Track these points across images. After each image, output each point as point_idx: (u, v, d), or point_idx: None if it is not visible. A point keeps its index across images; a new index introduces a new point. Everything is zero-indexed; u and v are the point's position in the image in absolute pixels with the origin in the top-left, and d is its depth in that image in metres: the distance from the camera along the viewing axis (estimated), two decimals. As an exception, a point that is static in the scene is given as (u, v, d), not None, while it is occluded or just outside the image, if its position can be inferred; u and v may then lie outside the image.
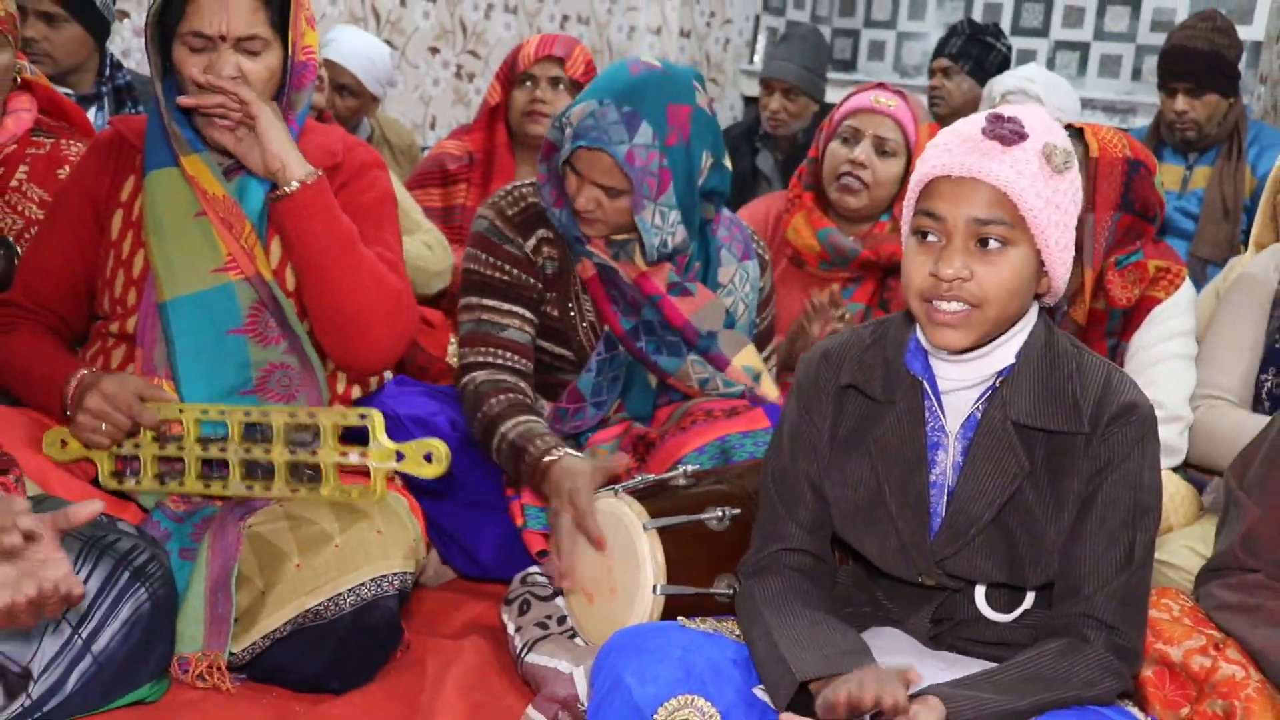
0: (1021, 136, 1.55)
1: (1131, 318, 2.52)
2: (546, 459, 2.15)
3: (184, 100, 2.09)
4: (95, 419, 2.05)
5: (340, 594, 2.02)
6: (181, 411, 2.07)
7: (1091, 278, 2.48)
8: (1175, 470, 2.51)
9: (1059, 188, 1.57)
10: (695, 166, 2.33)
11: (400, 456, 2.07)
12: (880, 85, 2.99)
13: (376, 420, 2.05)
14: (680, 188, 2.31)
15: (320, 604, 2.02)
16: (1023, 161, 1.54)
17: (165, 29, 2.09)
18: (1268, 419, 2.20)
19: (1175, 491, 2.42)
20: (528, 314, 2.39)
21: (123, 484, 2.11)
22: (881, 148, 2.89)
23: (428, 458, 2.06)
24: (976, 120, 1.59)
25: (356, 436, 2.10)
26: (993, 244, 1.56)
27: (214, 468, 2.11)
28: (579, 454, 2.18)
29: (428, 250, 3.04)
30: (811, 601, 1.69)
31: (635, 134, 2.24)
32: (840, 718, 1.46)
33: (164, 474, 2.10)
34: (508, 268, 2.38)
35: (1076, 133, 2.48)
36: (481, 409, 2.29)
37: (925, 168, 1.60)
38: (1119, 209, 2.45)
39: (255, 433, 2.08)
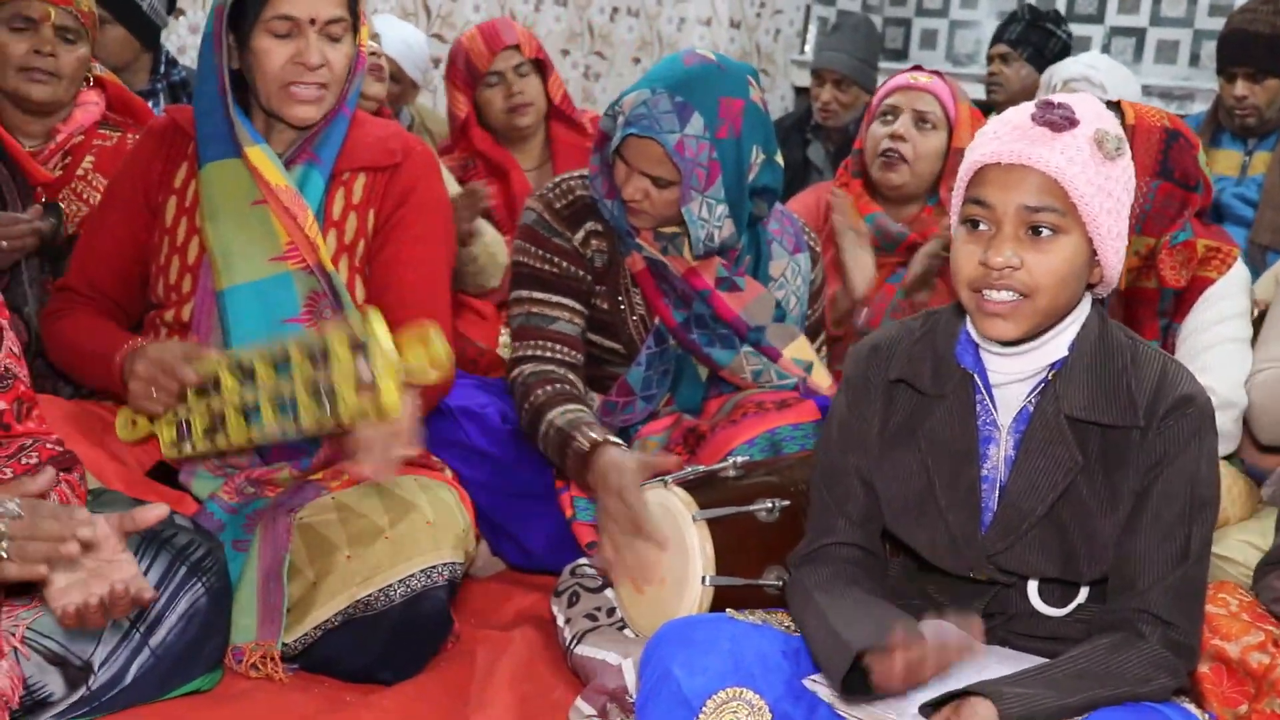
0: (1072, 123, 1.53)
1: (1184, 298, 2.48)
2: (592, 449, 2.13)
3: None
4: (146, 385, 2.02)
5: (391, 585, 2.03)
6: (218, 362, 2.01)
7: (1139, 246, 2.45)
8: (1232, 462, 2.48)
9: (1111, 175, 1.55)
10: (745, 161, 2.32)
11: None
12: (916, 67, 3.01)
13: (375, 323, 1.87)
14: (729, 181, 2.29)
15: (371, 594, 2.03)
16: (1073, 148, 1.52)
17: (236, 20, 2.09)
18: None
19: (1232, 484, 2.38)
20: (577, 306, 2.39)
21: (181, 451, 2.07)
22: (921, 120, 2.89)
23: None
24: (1027, 107, 1.58)
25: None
26: (1044, 232, 1.54)
27: (253, 414, 2.01)
28: (625, 446, 2.16)
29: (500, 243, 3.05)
30: (863, 586, 1.69)
31: (686, 124, 2.24)
32: (899, 681, 1.47)
33: (212, 430, 2.03)
34: (556, 260, 2.38)
35: (1114, 105, 2.45)
36: (529, 399, 2.28)
37: (975, 155, 1.58)
38: (1157, 175, 2.41)
39: (285, 370, 1.97)
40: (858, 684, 1.52)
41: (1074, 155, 1.52)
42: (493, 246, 3.03)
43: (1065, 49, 4.58)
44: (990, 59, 4.66)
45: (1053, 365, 1.61)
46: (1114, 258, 1.59)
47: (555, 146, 3.36)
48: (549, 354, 2.35)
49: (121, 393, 2.09)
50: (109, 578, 1.55)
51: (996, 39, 4.65)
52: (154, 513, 1.58)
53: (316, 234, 2.14)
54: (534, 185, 3.22)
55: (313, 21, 2.08)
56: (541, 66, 3.34)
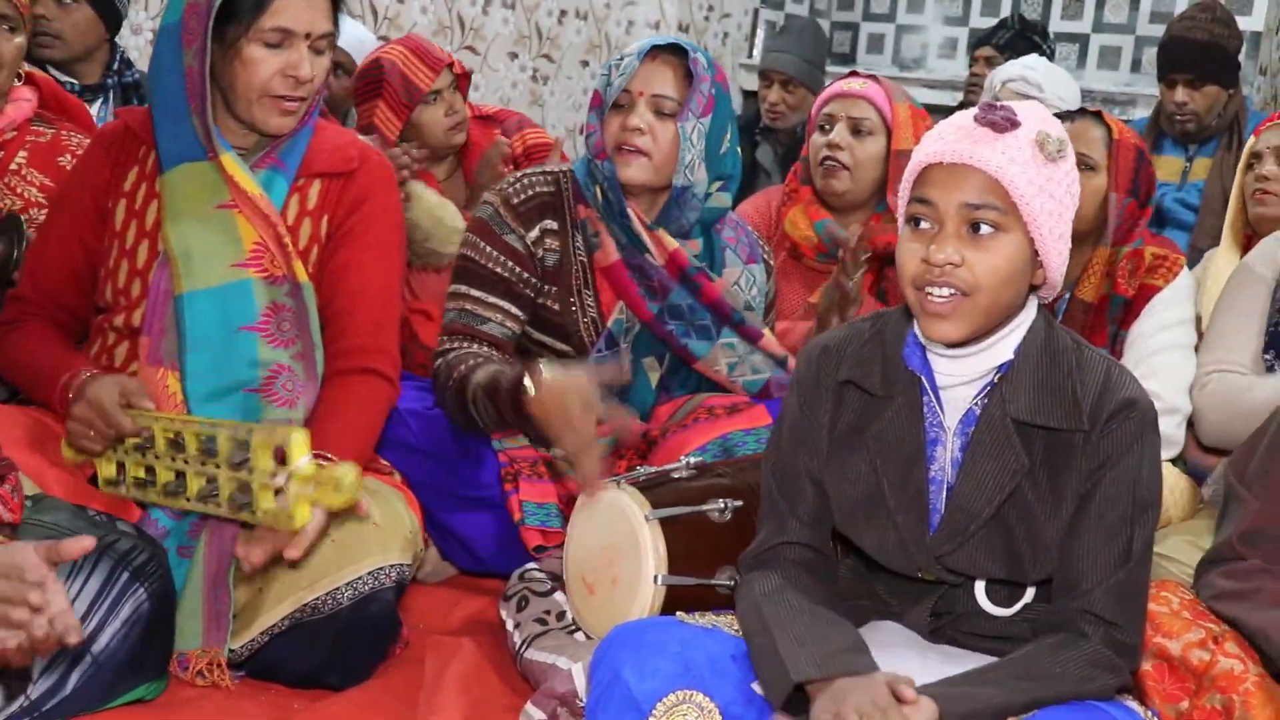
0: (1014, 124, 1.55)
1: (1131, 306, 2.53)
2: (523, 372, 2.07)
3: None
4: (83, 425, 2.02)
5: (338, 587, 2.01)
6: (156, 420, 2.00)
7: (1106, 256, 2.50)
8: (1175, 463, 2.51)
9: (1052, 176, 1.56)
10: (728, 121, 2.41)
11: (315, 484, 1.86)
12: (852, 73, 3.01)
13: (295, 441, 1.83)
14: (717, 126, 2.37)
15: (318, 598, 2.01)
16: (1014, 148, 1.54)
17: (219, 23, 2.05)
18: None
19: (1174, 484, 2.41)
20: (514, 310, 2.37)
21: (117, 491, 2.07)
22: (857, 128, 2.89)
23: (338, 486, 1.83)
24: (970, 110, 1.59)
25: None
26: (984, 229, 1.55)
27: (180, 481, 2.00)
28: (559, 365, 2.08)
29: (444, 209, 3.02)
30: (811, 596, 1.67)
31: (697, 53, 2.38)
32: None
33: (143, 484, 2.04)
34: (504, 260, 2.37)
35: (1096, 115, 2.52)
36: (453, 377, 2.25)
37: (919, 156, 1.59)
38: (1130, 194, 2.49)
39: (212, 454, 1.95)
40: (799, 703, 1.52)
41: (1015, 155, 1.53)
42: (437, 210, 2.99)
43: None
44: (974, 60, 4.72)
45: (999, 368, 1.62)
46: (1056, 259, 1.60)
47: (471, 151, 3.28)
48: (474, 349, 2.33)
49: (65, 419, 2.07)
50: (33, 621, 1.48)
51: (983, 42, 4.73)
52: (80, 545, 1.53)
53: (290, 243, 2.13)
54: (446, 192, 3.19)
55: (307, 35, 2.07)
56: (464, 83, 3.28)
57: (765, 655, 1.58)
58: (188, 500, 1.97)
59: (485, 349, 2.31)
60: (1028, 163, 1.54)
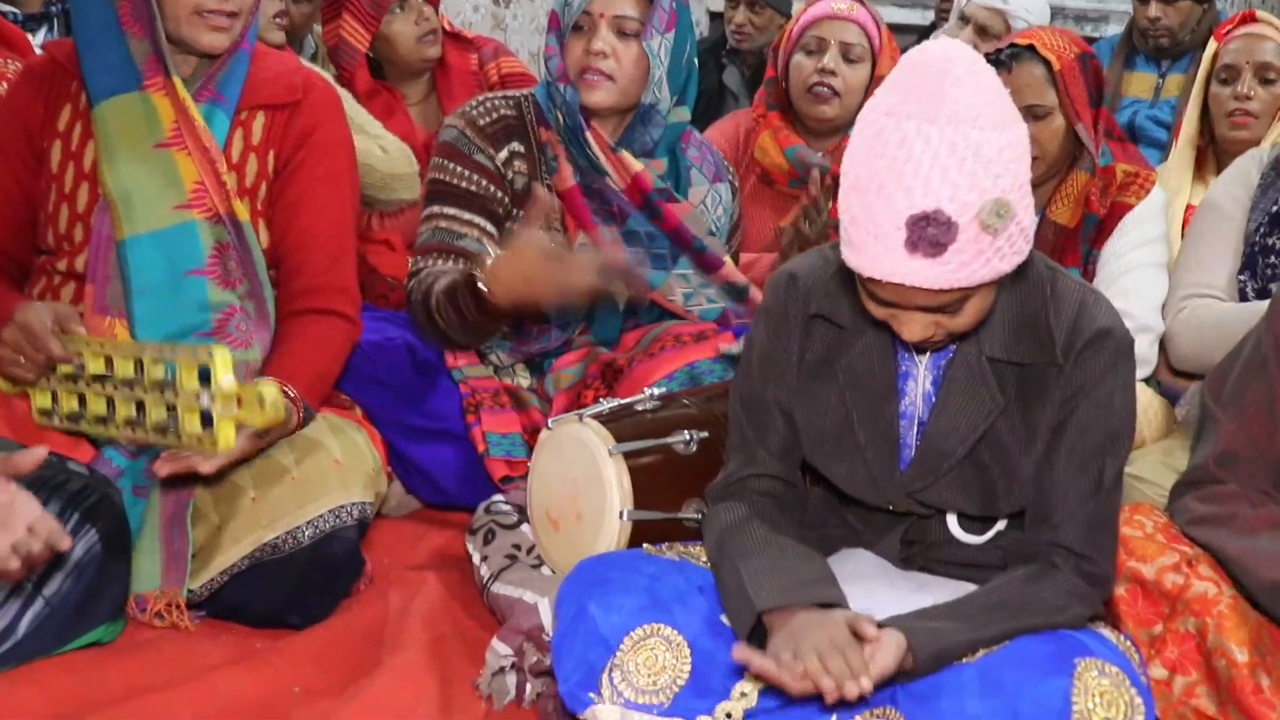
0: (948, 243, 1.38)
1: (1104, 225, 2.50)
2: (475, 271, 2.09)
3: None
4: (13, 352, 1.96)
5: (298, 526, 1.99)
6: (88, 345, 1.96)
7: (1085, 181, 2.46)
8: (1149, 384, 2.49)
9: (999, 245, 1.41)
10: (690, 37, 2.38)
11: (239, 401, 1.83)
12: None
13: (219, 359, 1.79)
14: (680, 39, 2.34)
15: (278, 537, 1.99)
16: (957, 257, 1.39)
17: None
18: (1256, 307, 2.17)
19: (1148, 404, 2.40)
20: (489, 227, 2.35)
21: (50, 422, 2.02)
22: (847, 54, 2.86)
23: (261, 402, 1.80)
24: (894, 223, 1.39)
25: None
26: (950, 309, 1.48)
27: (111, 410, 1.96)
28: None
29: (380, 151, 2.90)
30: (778, 528, 1.66)
31: None
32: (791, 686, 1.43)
33: (75, 415, 1.99)
34: (475, 177, 2.34)
35: (1028, 49, 2.43)
36: (421, 295, 2.24)
37: (852, 260, 1.45)
38: (1091, 105, 2.43)
39: (139, 379, 1.92)
40: (765, 636, 1.52)
41: (963, 260, 1.40)
42: (385, 166, 2.87)
43: None
44: None
45: None
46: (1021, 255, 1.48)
47: (447, 74, 3.18)
48: (449, 266, 2.30)
49: None
50: (14, 526, 1.49)
51: None
52: (33, 456, 1.51)
53: (230, 179, 2.08)
54: (418, 119, 3.11)
55: None
56: None
57: (730, 586, 1.57)
58: (116, 428, 1.94)
59: (456, 264, 2.29)
60: (974, 257, 1.40)
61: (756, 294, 2.47)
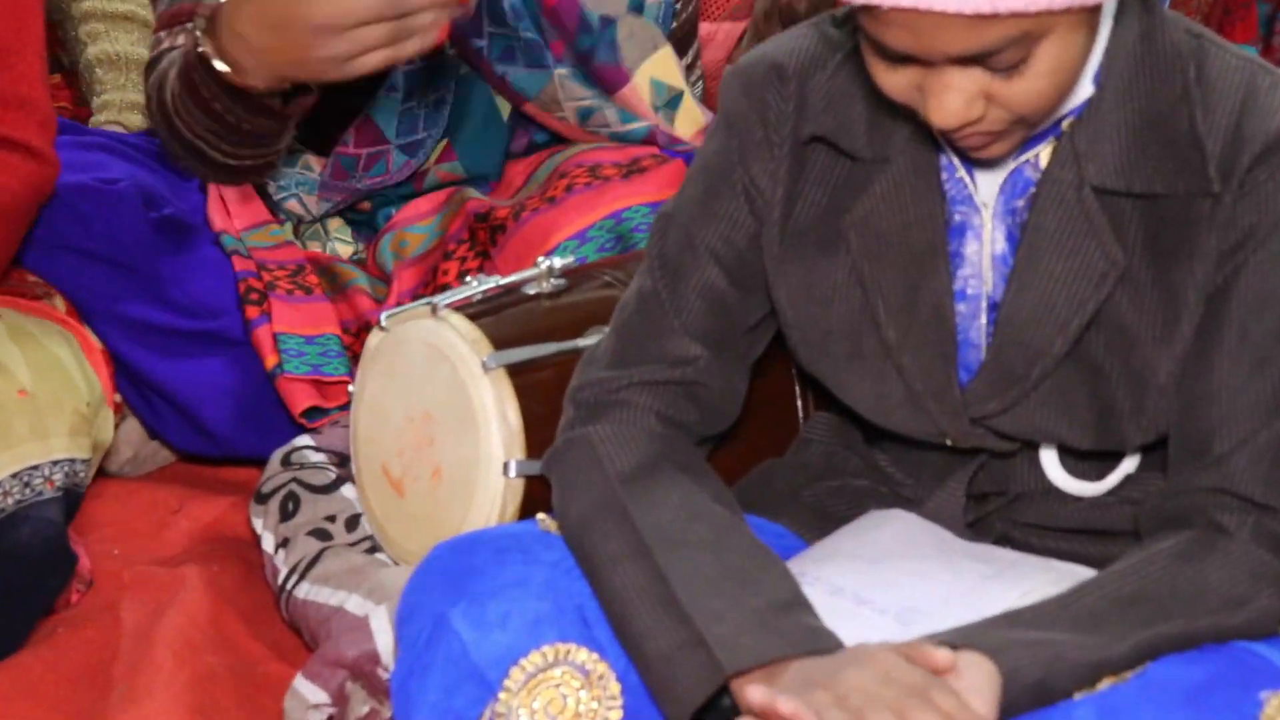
0: None
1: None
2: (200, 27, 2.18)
3: None
4: None
5: None
6: None
7: None
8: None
9: None
10: None
11: None
12: None
13: None
14: None
15: (-79, 523, 2.01)
16: None
17: None
18: None
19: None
20: None
21: None
22: None
23: None
24: None
25: None
26: (1000, 60, 1.46)
27: None
28: None
29: None
30: (699, 480, 1.67)
31: None
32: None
33: None
34: None
35: None
36: (157, 87, 2.32)
37: None
38: None
39: None
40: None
41: None
42: None
43: None
44: None
45: (1068, 112, 1.59)
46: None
47: None
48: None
49: None
50: None
51: None
52: None
53: None
54: None
55: None
56: None
57: (646, 605, 1.54)
58: None
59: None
60: None
61: (688, 116, 2.56)
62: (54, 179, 2.25)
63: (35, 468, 2.06)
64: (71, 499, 2.10)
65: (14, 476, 2.05)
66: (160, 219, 2.38)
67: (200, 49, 2.13)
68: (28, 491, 2.05)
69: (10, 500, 2.03)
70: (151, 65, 2.36)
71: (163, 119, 2.29)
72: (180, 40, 2.32)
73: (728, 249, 1.72)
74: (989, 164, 1.62)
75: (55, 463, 2.08)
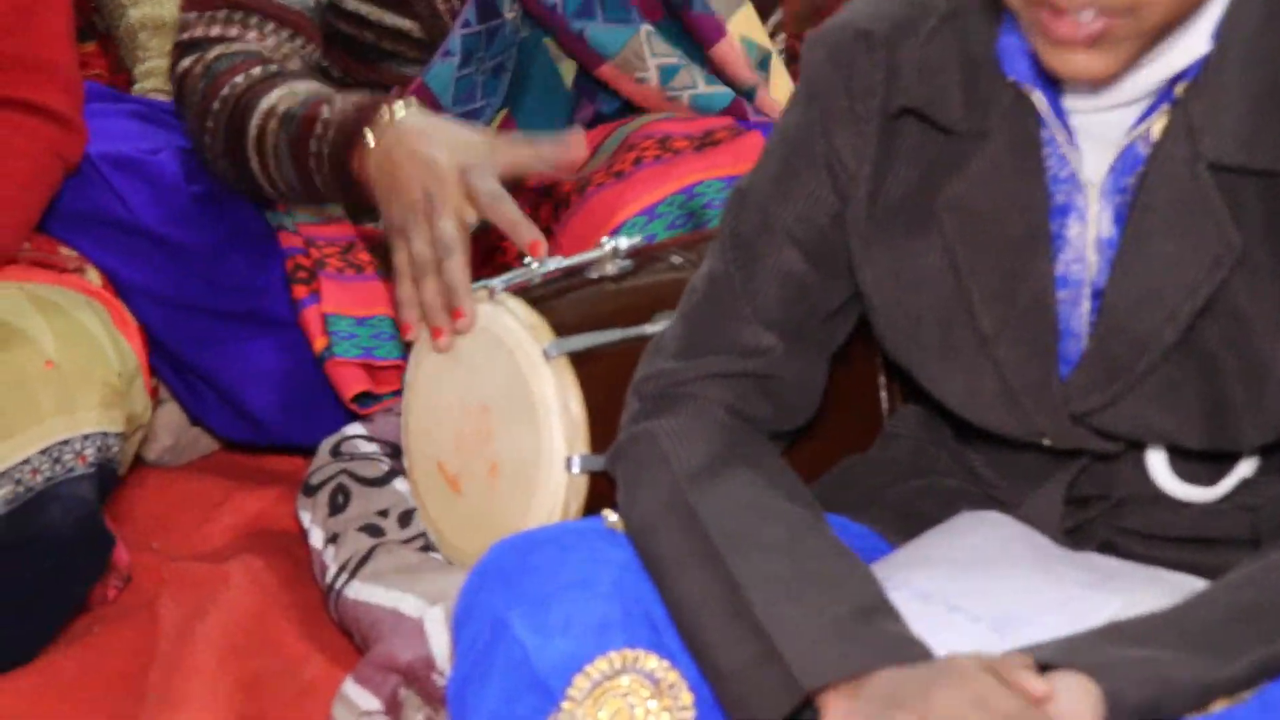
0: None
1: None
2: (370, 111, 2.14)
3: None
4: None
5: None
6: None
7: None
8: None
9: None
10: None
11: None
12: None
13: None
14: None
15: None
16: None
17: None
18: None
19: None
20: None
21: None
22: None
23: None
24: None
25: None
26: None
27: None
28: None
29: None
30: (774, 479, 1.65)
31: None
32: None
33: None
34: None
35: None
36: (221, 92, 2.29)
37: None
38: None
39: None
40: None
41: None
42: None
43: None
44: None
45: (1181, 74, 1.55)
46: None
47: None
48: (251, 41, 2.36)
49: None
50: None
51: None
52: None
53: None
54: None
55: None
56: None
57: (718, 616, 1.53)
58: None
59: (269, 39, 2.35)
60: None
61: (778, 82, 2.55)
62: (81, 146, 2.28)
63: (65, 443, 2.07)
64: (105, 475, 2.11)
65: (42, 453, 2.05)
66: (203, 192, 2.40)
67: (361, 138, 2.13)
68: (57, 468, 2.06)
69: (39, 478, 2.05)
70: (189, 48, 2.36)
71: (230, 139, 2.28)
72: (237, 33, 2.34)
73: (807, 229, 1.71)
74: (1096, 128, 1.60)
75: (86, 437, 2.08)
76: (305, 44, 2.39)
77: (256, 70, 2.30)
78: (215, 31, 2.36)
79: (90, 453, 2.07)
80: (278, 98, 2.24)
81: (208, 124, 2.31)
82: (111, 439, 2.10)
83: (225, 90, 2.28)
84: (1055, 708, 1.38)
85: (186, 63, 2.34)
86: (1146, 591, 1.58)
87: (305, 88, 2.26)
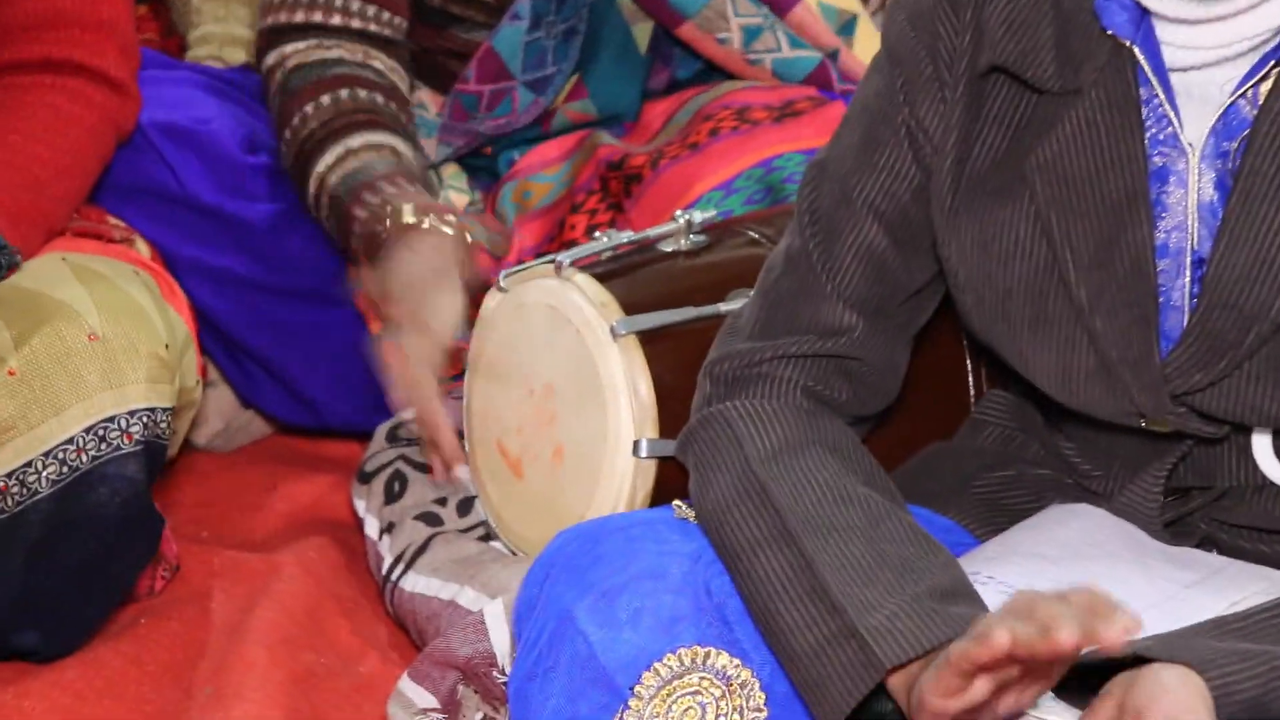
0: None
1: None
2: (389, 235, 2.17)
3: None
4: None
5: (28, 464, 2.05)
6: None
7: None
8: None
9: None
10: None
11: None
12: None
13: None
14: None
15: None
16: None
17: None
18: None
19: None
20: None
21: None
22: None
23: None
24: None
25: None
26: None
27: None
28: (450, 219, 2.19)
29: None
30: (850, 463, 1.65)
31: None
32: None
33: None
34: None
35: None
36: (293, 120, 2.33)
37: None
38: None
39: None
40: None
41: None
42: None
43: None
44: None
45: None
46: None
47: None
48: (335, 23, 2.38)
49: None
50: None
51: None
52: None
53: None
54: None
55: None
56: None
57: (794, 592, 1.52)
58: None
59: (349, 54, 2.39)
60: None
61: (865, 46, 2.57)
62: (135, 114, 2.30)
63: (110, 419, 2.05)
64: (154, 453, 2.09)
65: (88, 431, 2.04)
66: (261, 164, 2.42)
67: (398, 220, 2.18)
68: (104, 446, 2.05)
69: (85, 457, 2.04)
70: (273, 38, 2.41)
71: (297, 171, 2.34)
72: (316, 19, 2.39)
73: (889, 203, 1.72)
74: (1198, 87, 1.59)
75: (133, 413, 2.06)
76: (392, 16, 2.40)
77: (326, 99, 2.31)
78: (299, 18, 2.38)
79: (137, 430, 2.06)
80: (331, 162, 2.28)
81: (281, 147, 2.35)
82: (160, 414, 2.09)
83: (295, 120, 2.32)
84: (1161, 699, 1.36)
85: (270, 60, 2.37)
86: (1254, 589, 1.57)
87: (355, 165, 2.28)
